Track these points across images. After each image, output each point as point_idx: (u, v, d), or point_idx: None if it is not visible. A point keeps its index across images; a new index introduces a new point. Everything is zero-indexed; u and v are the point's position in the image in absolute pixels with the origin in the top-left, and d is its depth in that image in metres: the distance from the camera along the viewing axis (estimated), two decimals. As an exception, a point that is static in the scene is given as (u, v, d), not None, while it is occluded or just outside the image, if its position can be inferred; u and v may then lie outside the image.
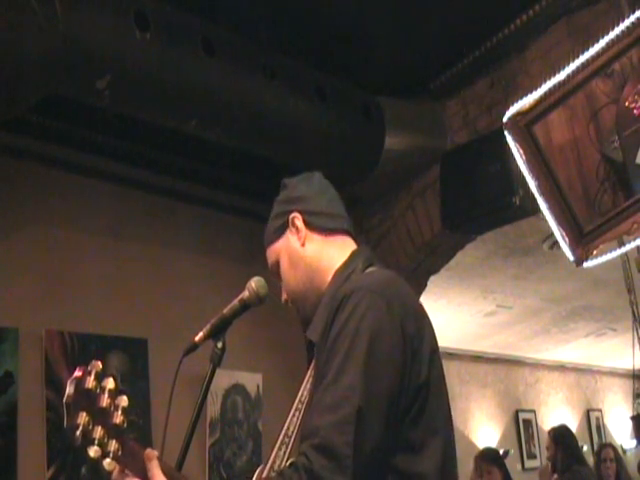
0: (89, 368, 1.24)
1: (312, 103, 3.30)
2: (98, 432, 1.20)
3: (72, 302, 3.42)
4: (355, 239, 1.59)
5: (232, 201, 4.08)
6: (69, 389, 1.21)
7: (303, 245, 1.53)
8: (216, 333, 1.54)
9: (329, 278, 1.50)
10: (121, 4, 2.69)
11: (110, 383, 1.24)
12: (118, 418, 1.24)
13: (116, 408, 1.24)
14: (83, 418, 1.19)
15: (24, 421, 3.11)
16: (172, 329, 3.59)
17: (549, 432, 5.09)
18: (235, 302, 1.56)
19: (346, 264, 1.50)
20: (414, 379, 1.30)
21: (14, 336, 3.15)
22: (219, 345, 1.52)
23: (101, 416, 1.22)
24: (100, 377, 1.24)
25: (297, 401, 1.48)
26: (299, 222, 1.54)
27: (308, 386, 1.46)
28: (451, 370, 7.72)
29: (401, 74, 3.72)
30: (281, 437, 1.47)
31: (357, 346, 1.27)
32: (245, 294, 1.56)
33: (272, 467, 1.45)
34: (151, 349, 3.63)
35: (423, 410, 1.31)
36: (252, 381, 4.03)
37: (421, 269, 4.13)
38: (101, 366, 1.24)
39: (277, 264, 1.58)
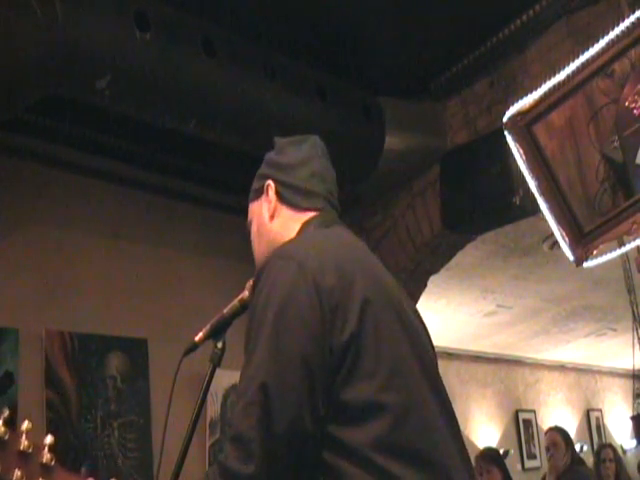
0: (19, 428, 1.25)
1: (312, 103, 3.30)
2: (15, 475, 1.21)
3: (72, 302, 3.42)
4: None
5: (232, 201, 4.08)
6: None
7: (271, 218, 1.49)
8: (216, 333, 1.53)
9: None
10: (121, 4, 2.69)
11: (28, 425, 1.26)
12: (45, 457, 1.25)
13: (41, 448, 1.26)
14: (15, 475, 1.20)
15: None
16: (172, 329, 3.60)
17: (555, 432, 5.05)
18: (235, 302, 1.56)
19: (292, 239, 1.42)
20: (337, 335, 1.18)
21: (14, 336, 3.15)
22: (219, 345, 1.52)
23: (19, 459, 1.23)
24: (10, 422, 1.25)
25: None
26: (271, 192, 1.50)
27: None
28: (451, 370, 7.73)
29: (401, 74, 3.72)
30: None
31: (264, 321, 1.21)
32: (245, 294, 1.55)
33: None
34: (151, 349, 3.63)
35: (356, 370, 1.18)
36: (252, 381, 4.03)
37: (421, 269, 4.13)
38: (8, 412, 1.24)
39: (250, 225, 1.58)
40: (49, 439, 1.26)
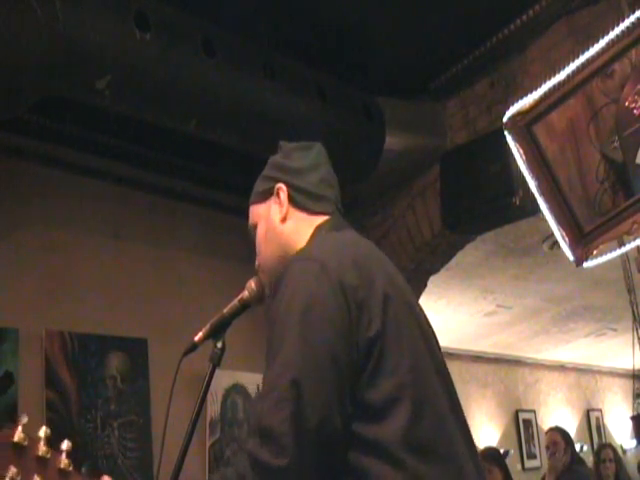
0: (17, 423, 1.25)
1: (312, 103, 3.30)
2: None
3: (72, 302, 3.42)
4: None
5: (232, 201, 4.07)
6: None
7: (283, 221, 1.50)
8: (216, 333, 1.54)
9: None
10: (121, 4, 2.69)
11: (46, 432, 1.26)
12: (62, 462, 1.26)
13: (59, 453, 1.26)
14: (10, 472, 1.21)
15: (24, 421, 3.10)
16: (172, 329, 3.60)
17: (555, 432, 5.06)
18: (235, 302, 1.56)
19: (309, 241, 1.45)
20: (363, 333, 1.21)
21: (14, 336, 3.15)
22: (219, 345, 1.52)
23: (38, 465, 1.24)
24: (29, 429, 1.26)
25: None
26: (283, 195, 1.50)
27: None
28: (451, 370, 7.57)
29: (401, 74, 3.72)
30: None
31: (291, 321, 1.22)
32: (245, 294, 1.56)
33: None
34: (151, 349, 3.63)
35: (380, 367, 1.21)
36: (252, 381, 4.03)
37: (421, 269, 4.13)
38: (26, 419, 1.25)
39: (255, 227, 1.56)
40: (66, 445, 1.27)
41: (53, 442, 1.27)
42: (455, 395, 1.36)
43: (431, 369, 1.30)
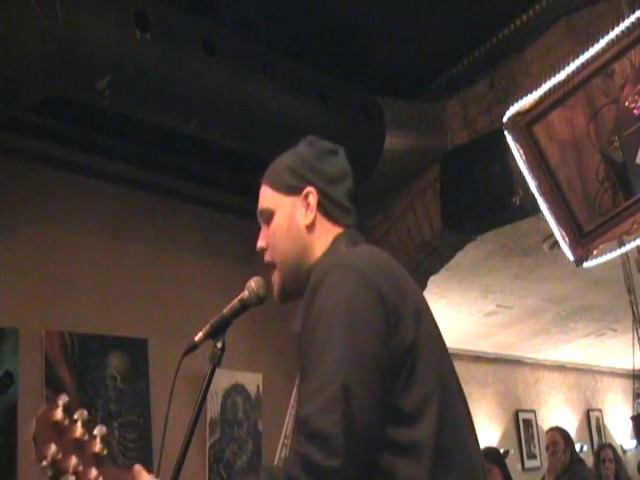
0: (57, 402, 1.25)
1: (312, 103, 3.30)
2: (72, 462, 1.22)
3: (72, 302, 3.42)
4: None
5: (232, 201, 4.08)
6: (33, 424, 1.23)
7: (309, 227, 1.51)
8: (216, 333, 1.53)
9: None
10: (121, 4, 2.69)
11: (84, 414, 1.26)
12: (97, 446, 1.25)
13: (94, 437, 1.26)
14: (51, 449, 1.20)
15: (24, 421, 3.10)
16: (172, 329, 3.60)
17: (556, 432, 5.06)
18: (235, 302, 1.56)
19: (329, 250, 1.49)
20: (399, 343, 1.27)
21: (14, 336, 3.15)
22: (219, 345, 1.52)
23: (75, 446, 1.23)
24: (70, 409, 1.25)
25: (292, 400, 1.48)
26: (313, 200, 1.51)
27: (297, 382, 1.46)
28: (451, 370, 7.71)
29: (401, 74, 3.72)
30: (281, 439, 1.47)
31: (336, 324, 1.26)
32: (245, 294, 1.55)
33: None
34: (151, 349, 3.63)
35: (413, 375, 1.27)
36: (252, 381, 4.03)
37: (421, 269, 4.13)
38: (68, 399, 1.25)
39: (270, 214, 1.54)
40: (101, 429, 1.26)
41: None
42: (466, 401, 1.42)
43: (451, 378, 1.37)
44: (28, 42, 2.50)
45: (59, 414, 1.23)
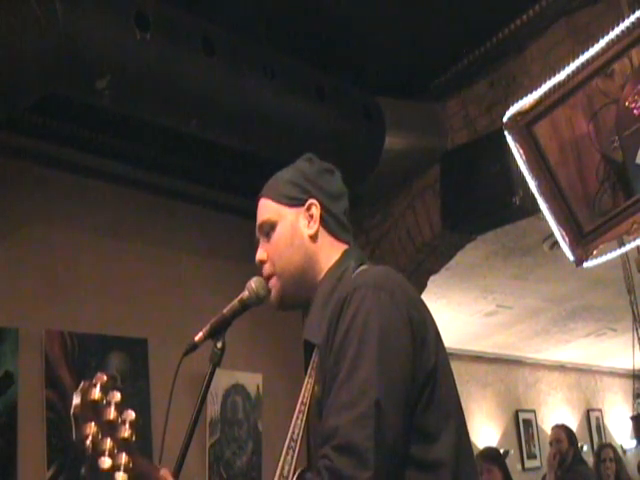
0: (94, 380, 1.23)
1: (312, 103, 3.30)
2: (107, 444, 1.20)
3: (72, 302, 3.42)
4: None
5: (232, 201, 4.08)
6: (76, 400, 1.21)
7: (313, 238, 1.52)
8: (216, 333, 1.53)
9: (321, 277, 1.51)
10: (121, 4, 2.69)
11: (117, 397, 1.24)
12: (126, 432, 1.23)
13: (123, 422, 1.24)
14: (92, 428, 1.19)
15: (24, 421, 3.11)
16: (172, 329, 3.60)
17: (560, 429, 5.07)
18: (235, 302, 1.55)
19: (338, 263, 1.51)
20: (424, 366, 1.31)
21: (14, 336, 3.15)
22: (219, 345, 1.51)
23: (109, 429, 1.22)
24: (106, 390, 1.24)
25: (299, 403, 1.47)
26: (316, 212, 1.52)
27: (309, 387, 1.46)
28: (451, 370, 7.71)
29: (401, 74, 3.72)
30: (287, 442, 1.46)
31: (367, 341, 1.28)
32: (245, 294, 1.55)
33: (281, 473, 1.43)
34: (151, 349, 3.63)
35: (434, 396, 1.31)
36: (252, 381, 4.03)
37: (421, 269, 4.13)
38: (106, 378, 1.23)
39: (271, 225, 1.54)
40: (130, 415, 1.25)
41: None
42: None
43: (459, 397, 1.43)
44: (28, 42, 2.50)
45: (97, 393, 1.21)
